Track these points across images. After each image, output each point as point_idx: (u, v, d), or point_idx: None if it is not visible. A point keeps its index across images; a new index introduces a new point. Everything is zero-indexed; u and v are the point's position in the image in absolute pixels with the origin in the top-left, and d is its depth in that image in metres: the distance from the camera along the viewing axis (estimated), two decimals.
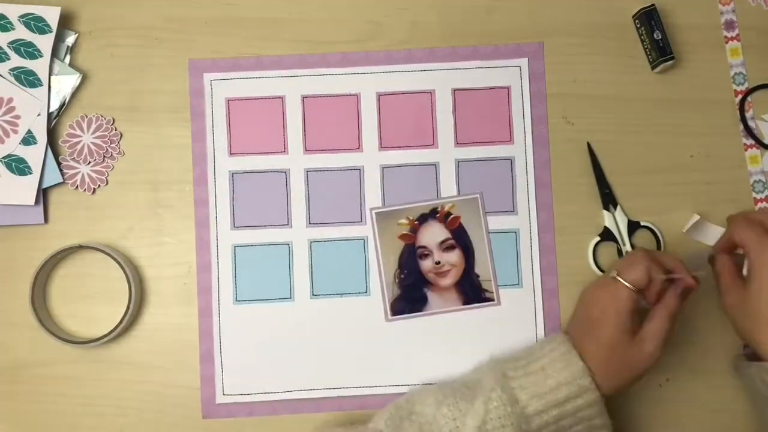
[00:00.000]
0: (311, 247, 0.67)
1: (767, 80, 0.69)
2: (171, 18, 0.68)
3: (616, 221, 0.67)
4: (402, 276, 0.67)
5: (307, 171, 0.68)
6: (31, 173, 0.65)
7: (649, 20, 0.66)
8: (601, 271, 0.66)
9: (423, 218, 0.67)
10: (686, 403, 0.66)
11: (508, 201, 0.67)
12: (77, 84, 0.66)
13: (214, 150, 0.68)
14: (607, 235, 0.67)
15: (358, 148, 0.68)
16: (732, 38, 0.69)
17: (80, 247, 0.64)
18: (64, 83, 0.66)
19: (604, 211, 0.67)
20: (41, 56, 0.66)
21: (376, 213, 0.67)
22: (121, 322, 0.63)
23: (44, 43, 0.66)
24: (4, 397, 0.65)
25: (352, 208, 0.67)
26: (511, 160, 0.68)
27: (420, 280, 0.67)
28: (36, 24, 0.65)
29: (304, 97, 0.68)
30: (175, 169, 0.67)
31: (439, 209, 0.67)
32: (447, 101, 0.68)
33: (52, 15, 0.66)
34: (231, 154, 0.68)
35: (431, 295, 0.67)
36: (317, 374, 0.66)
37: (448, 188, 0.68)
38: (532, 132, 0.68)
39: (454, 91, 0.68)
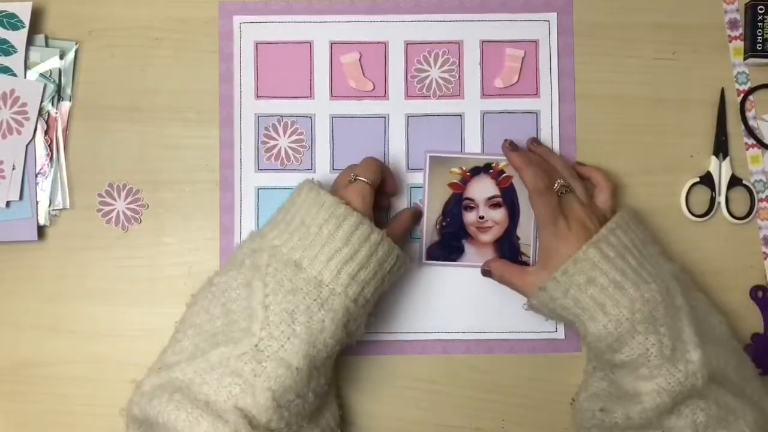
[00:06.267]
0: None
1: None
2: (171, 18, 0.68)
3: (721, 170, 0.67)
4: (444, 223, 0.66)
5: (333, 117, 0.68)
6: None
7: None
8: (691, 213, 0.67)
9: (476, 171, 0.67)
10: None
11: None
12: (60, 58, 0.66)
13: (241, 92, 0.68)
14: (707, 179, 0.67)
15: (384, 96, 0.68)
16: (735, 37, 0.69)
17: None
18: (51, 64, 0.66)
19: (712, 156, 0.67)
20: (15, 52, 0.66)
21: (430, 156, 0.67)
22: None
23: (18, 39, 0.65)
24: (5, 397, 0.65)
25: (376, 156, 0.66)
26: (536, 114, 0.68)
27: (461, 230, 0.66)
28: (9, 21, 0.65)
29: (332, 43, 0.68)
30: (176, 169, 0.67)
31: (494, 165, 0.67)
32: (475, 52, 0.68)
33: (23, 11, 0.66)
34: (257, 97, 0.68)
35: (469, 248, 0.66)
36: None
37: (473, 140, 0.68)
38: (558, 86, 0.68)
39: (482, 42, 0.68)
